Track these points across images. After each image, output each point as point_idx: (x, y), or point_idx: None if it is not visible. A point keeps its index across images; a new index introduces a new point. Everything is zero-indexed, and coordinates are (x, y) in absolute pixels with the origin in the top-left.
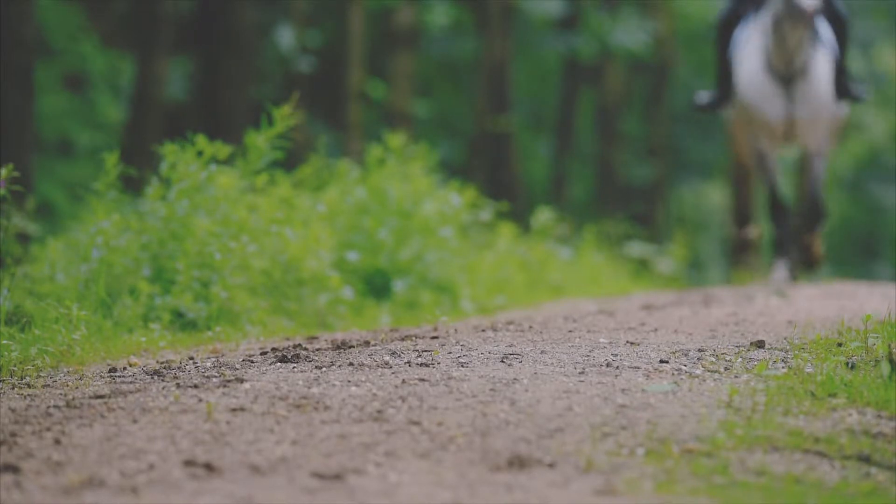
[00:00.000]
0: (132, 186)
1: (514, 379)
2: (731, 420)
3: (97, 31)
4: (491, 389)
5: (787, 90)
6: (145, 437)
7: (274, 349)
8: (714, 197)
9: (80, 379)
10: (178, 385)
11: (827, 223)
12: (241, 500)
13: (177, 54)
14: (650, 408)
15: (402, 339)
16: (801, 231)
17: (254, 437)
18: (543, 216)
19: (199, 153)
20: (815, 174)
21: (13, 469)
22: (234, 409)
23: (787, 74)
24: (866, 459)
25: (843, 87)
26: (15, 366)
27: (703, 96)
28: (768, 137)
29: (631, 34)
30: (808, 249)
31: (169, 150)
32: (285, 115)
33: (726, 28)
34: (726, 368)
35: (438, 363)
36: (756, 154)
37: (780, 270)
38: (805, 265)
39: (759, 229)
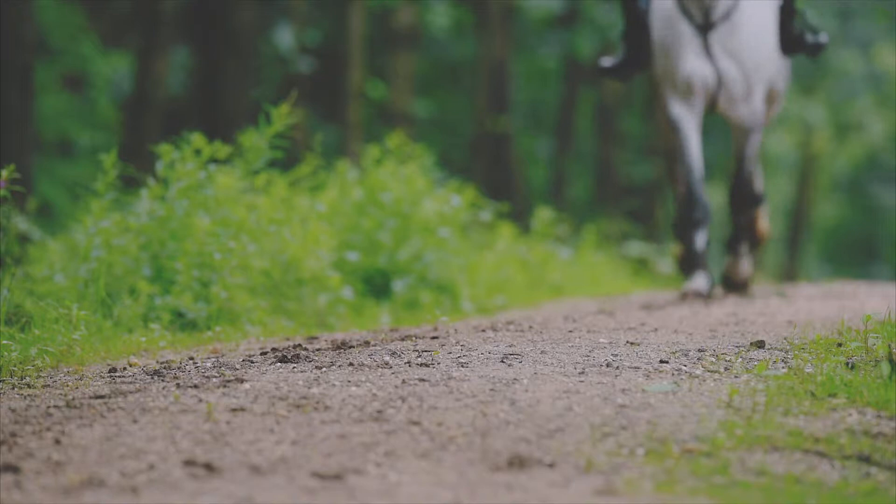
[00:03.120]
0: (133, 186)
1: (514, 379)
2: (731, 420)
3: (97, 31)
4: (491, 389)
5: (706, 41)
6: (145, 437)
7: (274, 349)
8: (714, 197)
9: (80, 379)
10: (178, 385)
11: (765, 204)
12: (241, 500)
13: (175, 47)
14: (650, 408)
15: (402, 339)
16: (735, 215)
17: (254, 437)
18: (543, 216)
19: (197, 152)
20: (745, 153)
21: (13, 469)
22: (234, 409)
23: (705, 20)
24: (866, 459)
25: (792, 37)
26: (15, 366)
27: (609, 59)
28: (685, 102)
29: None
30: (750, 229)
31: (165, 150)
32: (283, 114)
33: None
34: (726, 368)
35: (438, 363)
36: (670, 123)
37: (698, 280)
38: (750, 244)
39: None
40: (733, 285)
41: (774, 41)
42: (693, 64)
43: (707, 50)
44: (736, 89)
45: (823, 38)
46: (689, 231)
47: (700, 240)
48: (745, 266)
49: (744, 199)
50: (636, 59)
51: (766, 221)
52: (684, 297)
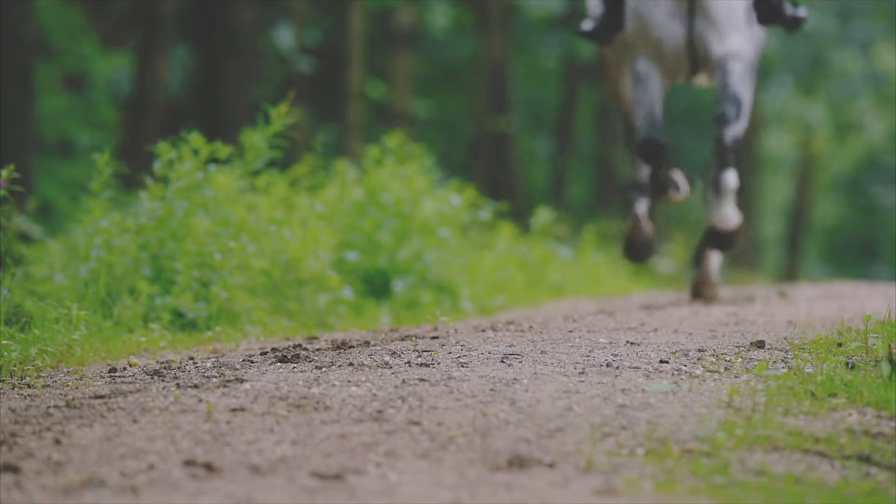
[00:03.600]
0: (133, 186)
1: (514, 379)
2: (731, 420)
3: (97, 31)
4: (491, 389)
5: (684, 6)
6: (145, 437)
7: (274, 349)
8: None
9: (80, 379)
10: (178, 385)
11: (738, 190)
12: (241, 500)
13: (175, 47)
14: (650, 408)
15: (402, 339)
16: (719, 131)
17: (254, 437)
18: (543, 216)
19: (195, 151)
20: (730, 72)
21: (13, 469)
22: (234, 409)
23: None
24: (866, 459)
25: (770, 7)
26: (15, 366)
27: (589, 23)
28: (655, 60)
29: None
30: (719, 233)
31: (163, 149)
32: (282, 114)
33: None
34: (726, 368)
35: (438, 363)
36: (634, 77)
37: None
38: (722, 247)
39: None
40: (719, 238)
41: (743, 6)
42: (664, 26)
43: (679, 11)
44: (710, 33)
45: (801, 11)
46: (643, 168)
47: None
48: (731, 213)
49: (730, 116)
50: (616, 20)
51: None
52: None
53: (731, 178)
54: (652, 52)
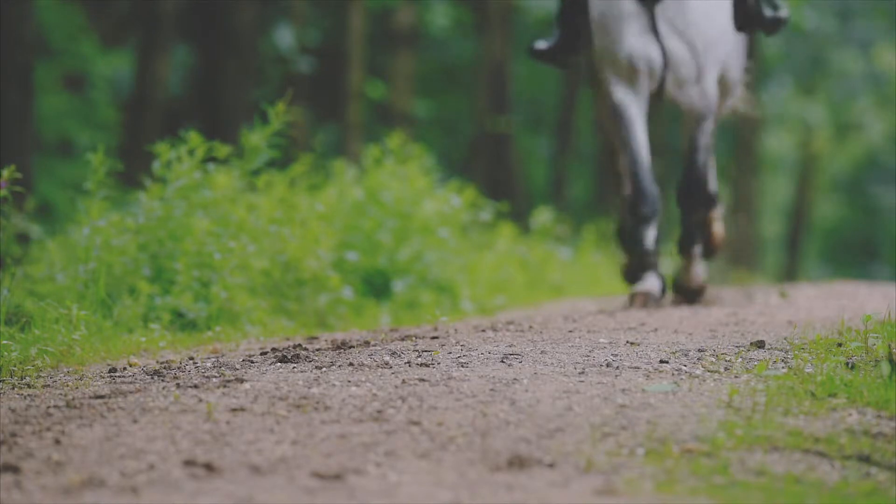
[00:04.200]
0: (133, 186)
1: (514, 379)
2: (731, 420)
3: (97, 31)
4: (491, 389)
5: (651, 16)
6: (145, 437)
7: (274, 349)
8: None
9: (80, 379)
10: (178, 385)
11: (721, 206)
12: (241, 500)
13: (175, 47)
14: (650, 408)
15: (402, 339)
16: (685, 215)
17: (254, 437)
18: (543, 216)
19: (192, 151)
20: (697, 143)
21: (13, 469)
22: (234, 409)
23: None
24: (866, 459)
25: (748, 11)
26: (15, 366)
27: (543, 42)
28: (628, 84)
29: None
30: (703, 232)
31: (162, 149)
32: (281, 113)
33: None
34: (726, 368)
35: (438, 363)
36: (611, 109)
37: (650, 281)
38: (704, 251)
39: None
40: (686, 292)
41: (728, 19)
42: (636, 42)
43: (652, 27)
44: (685, 70)
45: (783, 12)
46: (636, 228)
47: (649, 237)
48: (699, 271)
49: (695, 197)
50: (572, 42)
51: (721, 226)
52: (633, 299)
53: (697, 250)
54: (618, 70)
